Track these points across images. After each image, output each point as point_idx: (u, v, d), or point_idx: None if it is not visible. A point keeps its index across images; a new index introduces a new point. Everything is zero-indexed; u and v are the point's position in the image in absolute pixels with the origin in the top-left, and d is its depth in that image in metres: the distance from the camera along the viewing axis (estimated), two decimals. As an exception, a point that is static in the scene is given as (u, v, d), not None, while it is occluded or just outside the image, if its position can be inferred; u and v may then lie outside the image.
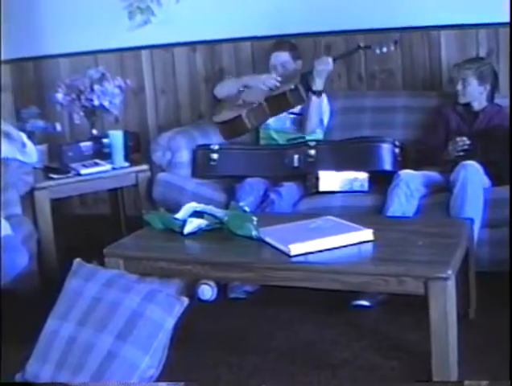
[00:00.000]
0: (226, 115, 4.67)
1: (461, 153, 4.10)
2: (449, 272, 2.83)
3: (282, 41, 4.83)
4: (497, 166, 4.00)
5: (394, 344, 3.43)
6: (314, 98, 4.55)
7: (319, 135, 4.68)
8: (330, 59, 4.48)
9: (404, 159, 4.36)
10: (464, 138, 4.15)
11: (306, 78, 4.56)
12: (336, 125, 4.71)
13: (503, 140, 4.08)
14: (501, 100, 4.45)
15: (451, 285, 2.83)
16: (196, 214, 3.54)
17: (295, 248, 3.07)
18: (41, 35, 5.64)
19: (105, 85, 4.76)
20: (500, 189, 3.93)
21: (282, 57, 4.71)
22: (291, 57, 4.72)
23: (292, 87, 4.50)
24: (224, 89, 4.84)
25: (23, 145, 4.08)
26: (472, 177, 3.86)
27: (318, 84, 4.52)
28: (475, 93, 4.35)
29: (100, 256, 3.36)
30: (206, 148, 4.58)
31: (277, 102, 4.56)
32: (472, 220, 3.57)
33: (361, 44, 4.64)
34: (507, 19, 4.51)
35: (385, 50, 4.56)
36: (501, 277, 3.75)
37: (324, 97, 4.68)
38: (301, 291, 3.27)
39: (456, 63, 4.55)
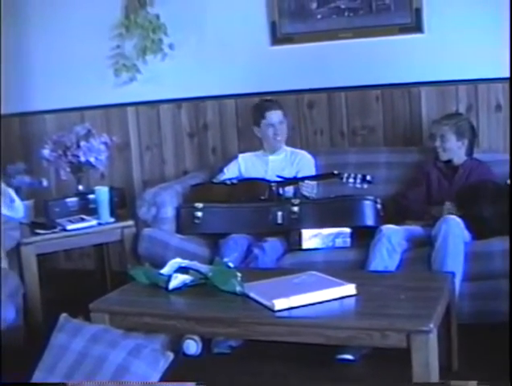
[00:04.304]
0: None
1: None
2: (431, 325, 2.86)
3: (269, 100, 4.84)
4: (478, 221, 4.05)
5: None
6: None
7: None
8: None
9: (386, 214, 4.36)
10: (452, 205, 4.20)
11: None
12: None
13: (483, 194, 4.15)
14: (482, 155, 4.54)
15: (433, 338, 2.86)
16: (181, 269, 3.56)
17: (279, 303, 3.09)
18: (28, 92, 5.72)
19: (91, 142, 4.81)
20: (480, 243, 3.99)
21: (278, 116, 4.75)
22: (283, 115, 4.79)
23: None
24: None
25: (12, 200, 4.10)
26: (454, 231, 3.91)
27: None
28: (454, 148, 4.42)
29: (86, 310, 3.37)
30: (190, 206, 4.55)
31: None
32: (453, 274, 3.61)
33: (335, 172, 4.46)
34: (485, 75, 4.64)
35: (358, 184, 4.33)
36: (482, 329, 3.80)
37: (307, 154, 4.82)
38: (285, 345, 3.27)
39: (434, 119, 4.63)
